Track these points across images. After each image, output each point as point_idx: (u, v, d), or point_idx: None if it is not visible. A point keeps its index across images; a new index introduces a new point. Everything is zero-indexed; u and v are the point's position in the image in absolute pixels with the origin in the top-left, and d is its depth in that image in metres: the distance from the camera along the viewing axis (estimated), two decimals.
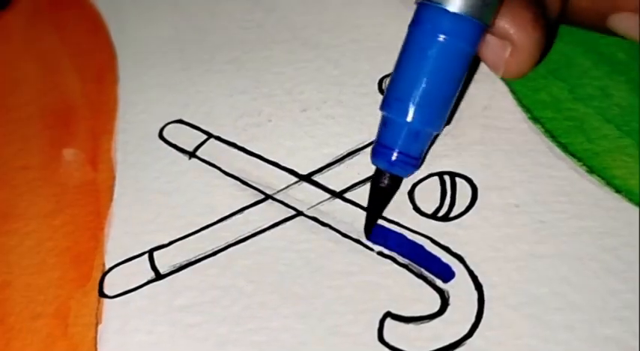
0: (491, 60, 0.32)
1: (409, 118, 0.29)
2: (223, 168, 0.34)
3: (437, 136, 0.32)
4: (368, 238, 0.31)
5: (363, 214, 0.31)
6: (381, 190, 0.31)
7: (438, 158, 0.32)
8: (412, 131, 0.30)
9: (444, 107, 0.30)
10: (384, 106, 0.30)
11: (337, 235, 0.31)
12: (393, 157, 0.30)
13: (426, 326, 0.28)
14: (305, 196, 0.32)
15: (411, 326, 0.28)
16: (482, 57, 0.32)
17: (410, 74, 0.29)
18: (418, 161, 0.31)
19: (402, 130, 0.30)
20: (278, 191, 0.33)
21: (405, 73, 0.30)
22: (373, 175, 0.31)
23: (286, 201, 0.32)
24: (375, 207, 0.31)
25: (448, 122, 0.32)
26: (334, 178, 0.33)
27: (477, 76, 0.35)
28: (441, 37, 0.29)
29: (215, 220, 0.32)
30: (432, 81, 0.29)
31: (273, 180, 0.33)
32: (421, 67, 0.29)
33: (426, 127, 0.30)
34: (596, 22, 0.34)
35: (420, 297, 0.29)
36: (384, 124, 0.30)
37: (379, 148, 0.30)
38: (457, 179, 0.32)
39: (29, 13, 0.44)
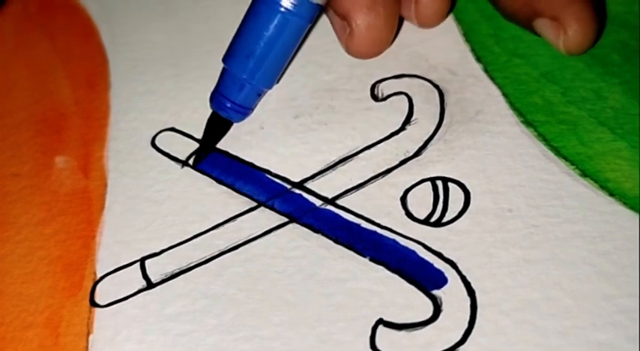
0: (338, 37, 0.37)
1: (245, 75, 0.34)
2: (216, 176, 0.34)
3: (266, 92, 0.36)
4: (196, 165, 0.35)
5: (356, 220, 0.31)
6: (214, 130, 0.35)
7: (431, 163, 0.32)
8: (246, 86, 0.34)
9: (277, 69, 0.35)
10: (226, 59, 0.34)
11: (329, 241, 0.31)
12: (228, 105, 0.34)
13: (418, 333, 0.28)
14: None
15: (403, 333, 0.28)
16: (335, 32, 0.37)
17: (252, 36, 0.33)
18: (248, 111, 0.35)
19: (237, 84, 0.34)
20: (270, 198, 0.33)
21: (248, 34, 0.34)
22: (210, 115, 0.35)
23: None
24: (208, 142, 0.35)
25: (278, 81, 0.36)
26: (327, 185, 0.33)
27: (468, 80, 0.35)
28: (282, 9, 0.33)
29: (207, 228, 0.32)
30: (269, 45, 0.33)
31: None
32: (261, 32, 0.33)
33: (259, 85, 0.34)
34: (525, 24, 0.35)
35: (412, 303, 0.28)
36: (224, 74, 0.35)
37: (217, 96, 0.35)
38: (449, 184, 0.31)
39: (19, 19, 0.44)
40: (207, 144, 0.35)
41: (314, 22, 0.35)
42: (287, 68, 0.37)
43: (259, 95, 0.35)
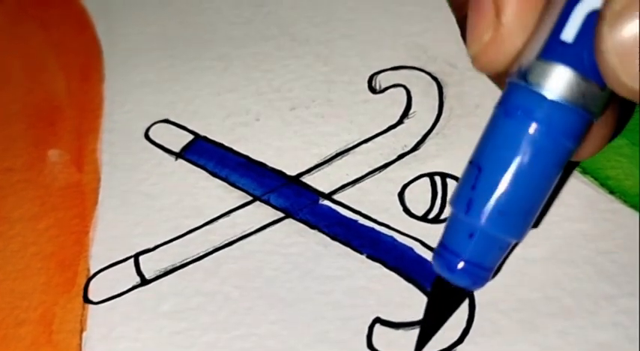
0: None
1: (483, 221, 0.23)
2: (210, 169, 0.34)
3: (516, 244, 0.26)
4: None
5: (353, 216, 0.31)
6: (441, 302, 0.26)
7: (429, 158, 0.32)
8: (487, 237, 0.24)
9: (530, 212, 0.24)
10: (454, 202, 0.24)
11: (326, 238, 0.30)
12: (459, 266, 0.24)
13: (415, 332, 0.27)
14: None
15: (400, 332, 0.27)
16: None
17: (493, 169, 0.23)
18: (489, 273, 0.25)
19: (476, 236, 0.24)
20: (265, 193, 0.32)
21: (487, 167, 0.23)
22: (433, 282, 0.26)
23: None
24: (432, 322, 0.26)
25: (536, 225, 0.28)
26: (323, 180, 0.32)
27: (468, 73, 0.34)
28: (536, 128, 0.22)
29: (202, 222, 0.32)
30: (518, 180, 0.23)
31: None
32: (506, 161, 0.23)
33: (505, 235, 0.24)
34: None
35: (409, 302, 0.28)
36: (453, 223, 0.25)
37: (443, 252, 0.25)
38: (448, 180, 0.31)
39: (14, 11, 0.43)
40: (433, 326, 0.26)
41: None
42: (546, 209, 0.29)
43: (506, 250, 0.25)
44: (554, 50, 0.22)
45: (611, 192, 0.29)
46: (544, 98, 0.22)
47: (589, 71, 0.21)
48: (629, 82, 0.20)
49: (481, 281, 0.25)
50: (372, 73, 0.36)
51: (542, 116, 0.22)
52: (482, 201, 0.23)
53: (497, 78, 0.25)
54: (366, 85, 0.35)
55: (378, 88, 0.35)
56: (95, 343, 0.29)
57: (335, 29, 0.38)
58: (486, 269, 0.25)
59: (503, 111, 0.23)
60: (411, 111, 0.34)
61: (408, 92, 0.34)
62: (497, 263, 0.25)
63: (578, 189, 0.30)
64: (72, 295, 0.31)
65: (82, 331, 0.29)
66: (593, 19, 0.20)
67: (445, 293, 0.26)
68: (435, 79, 0.35)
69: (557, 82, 0.22)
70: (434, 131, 0.33)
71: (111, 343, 0.29)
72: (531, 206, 0.24)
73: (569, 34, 0.21)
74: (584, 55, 0.21)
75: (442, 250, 0.25)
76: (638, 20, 0.19)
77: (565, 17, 0.22)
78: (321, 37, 0.38)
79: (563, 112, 0.22)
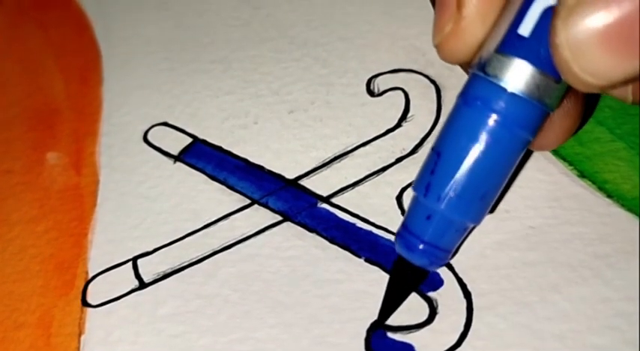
0: None
1: (440, 204, 0.25)
2: (209, 172, 0.34)
3: (474, 228, 0.27)
4: (369, 338, 0.27)
5: (352, 219, 0.31)
6: (400, 281, 0.28)
7: None
8: (444, 219, 0.25)
9: (485, 197, 0.25)
10: (415, 186, 0.26)
11: (324, 241, 0.30)
12: (419, 246, 0.26)
13: (413, 336, 0.27)
14: None
15: (398, 336, 0.27)
16: None
17: (451, 155, 0.25)
18: (447, 254, 0.27)
19: (433, 218, 0.25)
20: (264, 196, 0.32)
21: (445, 153, 0.25)
22: (394, 262, 0.28)
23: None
24: (392, 300, 0.28)
25: (492, 210, 0.29)
26: (322, 183, 0.32)
27: (466, 76, 0.34)
28: (493, 119, 0.24)
29: (200, 226, 0.32)
30: (475, 166, 0.24)
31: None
32: (463, 148, 0.24)
33: (460, 218, 0.25)
34: None
35: (407, 306, 0.28)
36: (414, 206, 0.26)
37: (404, 233, 0.26)
38: None
39: (13, 13, 0.44)
40: (393, 302, 0.28)
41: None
42: (504, 193, 0.30)
43: (464, 233, 0.27)
44: (511, 44, 0.23)
45: (609, 196, 0.29)
46: (501, 90, 0.23)
47: (544, 65, 0.22)
48: (582, 74, 0.21)
49: (439, 262, 0.27)
50: (370, 76, 0.36)
51: (498, 107, 0.23)
52: (439, 185, 0.25)
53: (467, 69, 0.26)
54: (364, 88, 0.35)
55: (376, 91, 0.35)
56: (94, 346, 0.29)
57: (333, 32, 0.38)
58: (444, 250, 0.26)
59: (463, 100, 0.25)
60: (410, 114, 0.34)
61: (407, 95, 0.34)
62: (455, 245, 0.27)
63: (575, 192, 0.30)
64: (70, 298, 0.31)
65: (80, 334, 0.30)
66: (549, 15, 0.21)
67: (405, 272, 0.27)
68: (433, 82, 0.35)
69: (514, 74, 0.23)
70: (432, 135, 0.33)
71: (109, 346, 0.29)
72: (487, 192, 0.25)
73: (526, 28, 0.22)
74: (539, 49, 0.22)
75: (403, 231, 0.26)
76: (590, 15, 0.20)
77: (523, 12, 0.23)
78: (320, 40, 0.38)
79: (518, 104, 0.23)
